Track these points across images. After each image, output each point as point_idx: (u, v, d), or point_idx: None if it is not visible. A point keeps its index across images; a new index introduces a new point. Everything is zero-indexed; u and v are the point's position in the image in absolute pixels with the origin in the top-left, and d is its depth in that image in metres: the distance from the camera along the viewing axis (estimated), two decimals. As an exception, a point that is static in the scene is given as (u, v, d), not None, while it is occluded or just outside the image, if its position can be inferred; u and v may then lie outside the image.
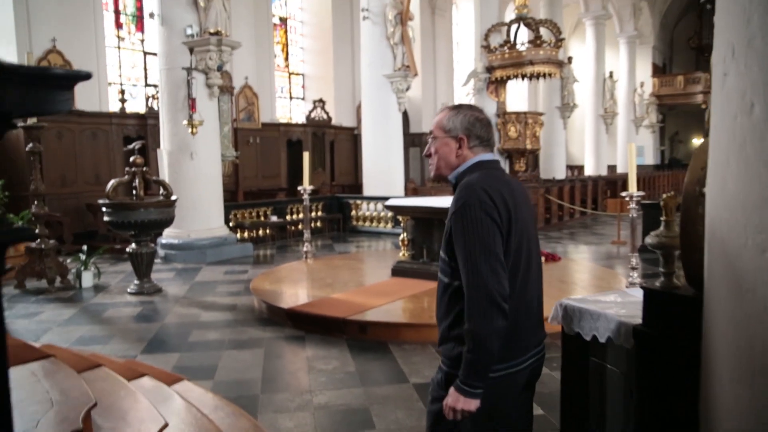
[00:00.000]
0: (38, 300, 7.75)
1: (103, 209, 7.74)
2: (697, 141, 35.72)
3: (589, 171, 25.73)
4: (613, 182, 20.36)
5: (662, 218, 1.97)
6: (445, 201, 8.10)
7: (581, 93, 23.58)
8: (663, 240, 1.94)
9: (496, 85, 17.88)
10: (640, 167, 29.08)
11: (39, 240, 8.32)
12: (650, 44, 32.05)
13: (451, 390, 2.06)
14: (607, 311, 2.34)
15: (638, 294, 2.46)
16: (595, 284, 7.79)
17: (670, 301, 1.94)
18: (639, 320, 2.13)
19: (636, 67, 29.73)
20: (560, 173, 21.46)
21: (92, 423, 2.96)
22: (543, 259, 8.94)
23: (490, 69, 17.63)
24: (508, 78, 17.58)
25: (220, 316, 6.89)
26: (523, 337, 2.12)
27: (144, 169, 8.04)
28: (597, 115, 26.01)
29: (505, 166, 18.31)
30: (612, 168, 28.55)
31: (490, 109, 17.90)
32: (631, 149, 6.40)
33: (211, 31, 10.05)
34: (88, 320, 6.80)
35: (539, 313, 2.22)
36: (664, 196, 1.96)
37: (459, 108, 2.29)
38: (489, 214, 2.03)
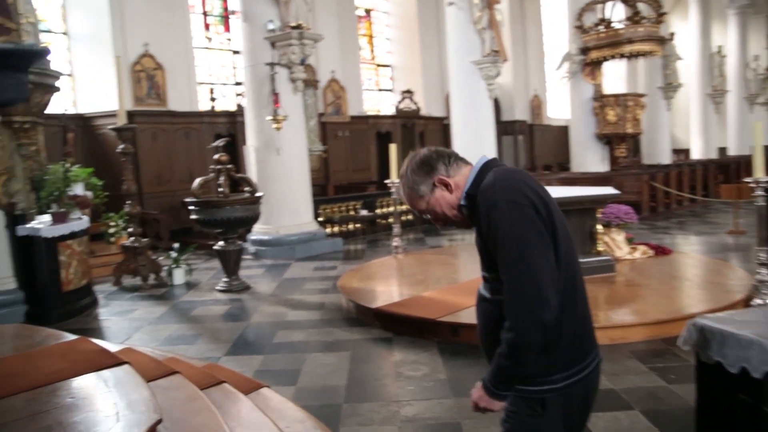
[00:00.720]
0: (133, 297, 7.83)
1: (190, 207, 7.70)
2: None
3: (696, 155, 24.01)
4: (725, 166, 18.83)
5: None
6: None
7: (685, 71, 22.00)
8: None
9: (592, 67, 16.86)
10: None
11: (133, 238, 8.43)
12: (765, 13, 29.46)
13: (478, 384, 2.02)
14: (764, 339, 1.81)
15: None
16: (714, 281, 6.98)
17: None
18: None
19: (749, 39, 27.41)
20: (665, 158, 20.07)
21: (159, 441, 2.74)
22: (652, 252, 8.21)
23: (584, 50, 16.64)
24: (605, 59, 16.52)
25: (307, 315, 6.67)
26: (574, 345, 1.95)
27: (229, 166, 7.95)
28: (704, 94, 24.20)
29: (604, 151, 17.30)
30: (722, 151, 26.52)
31: (586, 92, 16.96)
32: (757, 128, 5.62)
33: (292, 24, 9.87)
34: (177, 319, 6.76)
35: (587, 310, 2.03)
36: None
37: (404, 174, 2.09)
38: (523, 206, 1.83)
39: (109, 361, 3.44)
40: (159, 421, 2.73)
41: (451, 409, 4.10)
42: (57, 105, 12.23)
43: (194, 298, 7.63)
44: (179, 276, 8.41)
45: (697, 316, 5.42)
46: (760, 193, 5.78)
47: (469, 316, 5.80)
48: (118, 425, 2.60)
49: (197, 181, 7.84)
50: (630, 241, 8.30)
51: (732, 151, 26.34)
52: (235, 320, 6.57)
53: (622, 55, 16.29)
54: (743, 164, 19.64)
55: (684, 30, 24.62)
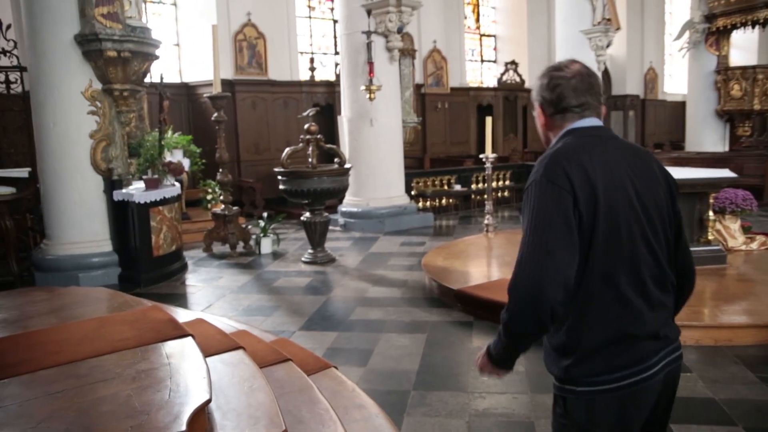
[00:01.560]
0: (220, 264, 7.96)
1: (279, 177, 7.68)
2: None
3: (835, 135, 21.71)
4: None
5: None
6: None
7: (829, 41, 19.82)
8: None
9: (717, 36, 15.51)
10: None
11: (224, 206, 8.55)
12: None
13: (483, 350, 2.03)
14: None
15: None
16: None
17: None
18: None
19: None
20: (798, 138, 18.27)
21: (206, 419, 2.66)
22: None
23: (710, 18, 15.32)
24: (734, 26, 15.12)
25: (388, 292, 6.49)
26: (632, 330, 1.78)
27: (318, 136, 7.85)
28: None
29: (724, 130, 15.93)
30: None
31: (709, 65, 15.67)
32: None
33: (391, -10, 9.57)
34: (259, 289, 6.78)
35: (651, 301, 1.80)
36: None
37: (546, 69, 1.97)
38: (559, 188, 1.73)
39: (175, 332, 3.40)
40: (208, 401, 2.64)
41: (526, 406, 3.80)
42: (166, 74, 12.67)
43: (279, 269, 7.65)
44: (266, 245, 8.47)
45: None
46: None
47: (556, 304, 5.42)
48: (168, 402, 2.52)
49: (286, 151, 7.80)
50: (747, 230, 7.51)
51: None
52: (316, 293, 6.49)
53: (755, 23, 14.82)
54: None
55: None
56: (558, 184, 1.73)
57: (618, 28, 12.86)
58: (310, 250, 7.95)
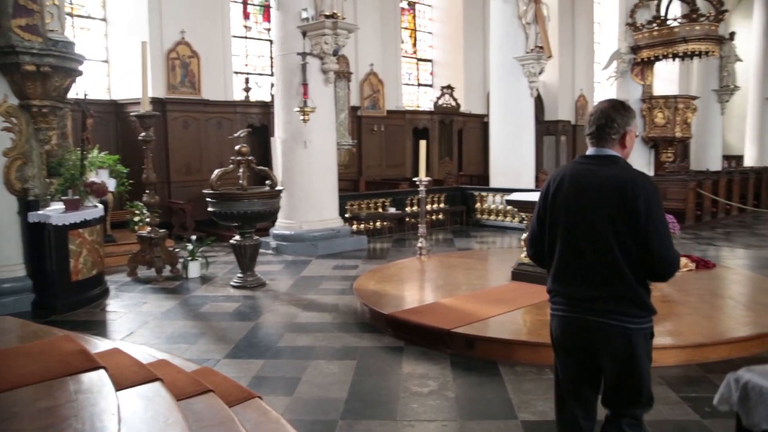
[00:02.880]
0: (144, 289, 7.64)
1: (208, 200, 7.46)
2: None
3: (749, 162, 22.82)
4: (781, 175, 17.84)
5: None
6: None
7: (744, 74, 20.92)
8: None
9: (642, 66, 16.17)
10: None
11: (151, 229, 8.25)
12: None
13: None
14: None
15: None
16: (761, 302, 6.41)
17: None
18: None
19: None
20: (715, 164, 19.14)
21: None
22: (694, 265, 7.65)
23: (635, 49, 15.97)
24: (657, 58, 15.82)
25: (318, 317, 6.34)
26: (559, 290, 2.69)
27: (249, 158, 7.68)
28: (763, 98, 22.99)
29: (649, 156, 16.57)
30: (778, 159, 25.22)
31: (634, 93, 16.28)
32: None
33: (327, 13, 9.54)
34: (184, 315, 6.52)
35: (578, 273, 2.60)
36: None
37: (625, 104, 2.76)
38: (541, 192, 2.79)
39: (86, 365, 3.18)
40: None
41: (454, 435, 3.73)
42: (94, 91, 12.23)
43: (206, 294, 7.39)
44: (194, 269, 8.19)
45: (739, 341, 4.96)
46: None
47: (487, 327, 5.40)
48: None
49: (216, 172, 7.60)
50: (670, 252, 7.73)
51: (789, 160, 25.03)
52: (243, 319, 6.28)
53: (675, 55, 15.57)
54: (801, 174, 18.61)
55: (746, 30, 23.42)
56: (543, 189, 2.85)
57: (550, 56, 13.24)
58: (239, 274, 7.73)
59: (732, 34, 19.24)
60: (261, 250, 8.16)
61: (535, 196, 7.50)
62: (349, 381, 4.59)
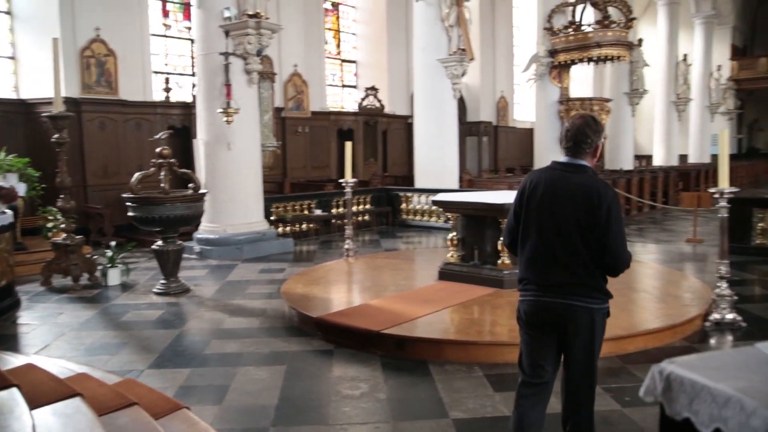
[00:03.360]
0: (60, 299, 7.28)
1: (127, 204, 7.20)
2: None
3: (658, 161, 24.09)
4: (686, 174, 18.88)
5: None
6: (500, 196, 7.22)
7: (651, 78, 22.02)
8: None
9: (560, 69, 16.71)
10: (714, 157, 27.16)
11: (66, 235, 7.88)
12: (730, 24, 29.78)
13: None
14: (746, 396, 1.47)
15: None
16: (673, 294, 6.77)
17: None
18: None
19: (713, 49, 27.66)
20: (627, 164, 20.06)
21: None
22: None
23: (553, 53, 16.48)
24: (573, 62, 16.39)
25: (246, 322, 6.23)
26: (528, 279, 3.10)
27: (171, 160, 7.46)
28: (668, 101, 24.29)
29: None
30: (683, 158, 26.71)
31: (552, 95, 16.80)
32: (722, 138, 5.35)
33: (250, 13, 9.40)
34: (104, 324, 6.26)
35: (547, 264, 3.01)
36: None
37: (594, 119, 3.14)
38: (517, 192, 3.23)
39: (59, 393, 3.01)
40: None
41: (387, 437, 3.74)
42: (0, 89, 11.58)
43: (127, 302, 7.12)
44: (114, 276, 7.88)
45: (653, 333, 5.21)
46: (723, 204, 5.54)
47: (416, 328, 5.45)
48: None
49: (136, 175, 7.35)
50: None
51: (692, 159, 26.58)
52: (167, 327, 6.09)
53: (590, 59, 16.16)
54: (703, 172, 19.76)
55: (652, 37, 24.68)
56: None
57: (472, 59, 13.50)
58: (162, 281, 7.49)
59: (640, 41, 20.20)
60: (184, 255, 7.95)
61: (460, 197, 7.66)
62: (279, 386, 4.53)
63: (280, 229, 10.99)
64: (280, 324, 6.16)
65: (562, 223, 2.94)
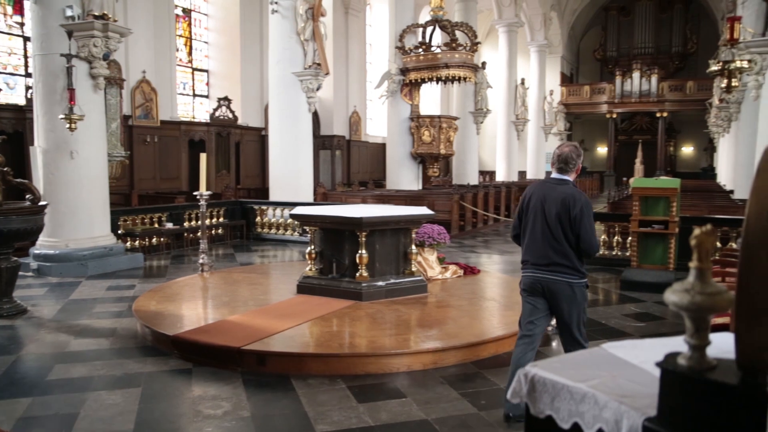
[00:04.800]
0: None
1: (-48, 216, 6.49)
2: (602, 149, 36.81)
3: (500, 177, 25.76)
4: (525, 188, 20.29)
5: (693, 264, 1.29)
6: (357, 210, 7.37)
7: (494, 99, 23.54)
8: (697, 299, 1.26)
9: (411, 87, 17.40)
10: (548, 174, 29.50)
11: None
12: (559, 54, 32.69)
13: None
14: (598, 392, 1.64)
15: (633, 358, 1.80)
16: (519, 301, 7.22)
17: (706, 390, 1.27)
18: (648, 407, 1.46)
19: (546, 75, 30.19)
20: (473, 179, 21.25)
21: None
22: (462, 272, 8.41)
23: (404, 71, 17.13)
24: (423, 81, 17.15)
25: (94, 344, 5.84)
26: (529, 261, 4.14)
27: (5, 169, 6.84)
28: (509, 121, 26.11)
29: (418, 170, 17.88)
30: (522, 174, 28.81)
31: (404, 112, 17.42)
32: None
33: (96, 14, 8.87)
34: (-77, 352, 5.58)
35: (539, 249, 4.05)
36: (697, 231, 1.28)
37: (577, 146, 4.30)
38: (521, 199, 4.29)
39: None
40: None
41: (253, 455, 3.68)
42: None
43: (-48, 325, 6.41)
44: (-66, 298, 7.05)
45: (503, 338, 5.57)
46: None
47: (277, 342, 5.41)
48: None
49: (-37, 185, 6.64)
50: (441, 261, 8.43)
51: (530, 175, 28.73)
52: (2, 353, 5.56)
53: (438, 79, 16.98)
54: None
55: (494, 60, 26.41)
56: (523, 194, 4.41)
57: (327, 73, 13.65)
58: (-6, 301, 6.82)
59: (484, 64, 21.52)
60: (20, 273, 7.28)
61: (318, 210, 7.71)
62: (135, 410, 4.29)
63: (128, 244, 10.42)
64: (133, 344, 5.84)
65: (549, 219, 4.00)
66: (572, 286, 4.03)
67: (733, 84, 8.86)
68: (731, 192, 17.51)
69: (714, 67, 9.27)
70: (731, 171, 19.95)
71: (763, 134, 9.00)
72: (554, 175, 4.18)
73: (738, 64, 8.84)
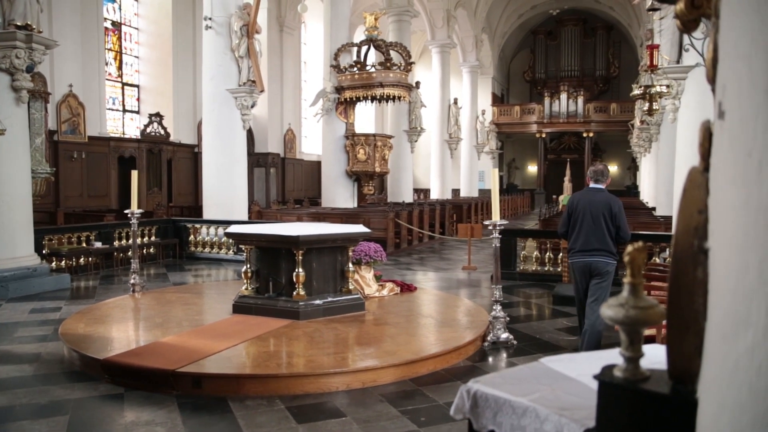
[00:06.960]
0: None
1: None
2: (532, 168, 37.91)
3: (435, 194, 26.13)
4: (459, 206, 20.68)
5: (627, 280, 1.36)
6: (293, 228, 7.32)
7: (428, 118, 23.92)
8: (631, 313, 1.33)
9: (346, 106, 17.48)
10: (481, 191, 30.20)
11: None
12: (490, 75, 33.58)
13: None
14: (539, 405, 1.69)
15: (570, 371, 1.86)
16: (455, 318, 7.36)
17: (641, 400, 1.33)
18: (586, 419, 1.51)
19: (478, 95, 30.94)
20: (408, 196, 21.47)
21: None
22: (399, 289, 8.47)
23: (339, 89, 17.21)
24: (358, 99, 17.26)
25: (16, 370, 5.55)
26: (576, 249, 5.61)
27: None
28: (442, 140, 26.57)
29: (353, 188, 17.93)
30: (456, 192, 29.30)
31: (339, 130, 17.46)
32: (494, 177, 6.03)
33: (18, 23, 8.56)
34: None
35: (586, 243, 5.53)
36: (630, 248, 1.35)
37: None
38: (568, 204, 5.89)
39: None
40: None
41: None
42: None
43: None
44: None
45: (440, 355, 5.63)
46: (496, 235, 6.20)
47: (213, 364, 5.30)
48: None
49: None
50: (378, 278, 8.46)
51: (463, 193, 29.27)
52: None
53: (373, 98, 17.13)
54: (473, 205, 21.82)
55: (428, 80, 26.87)
56: (569, 200, 6.02)
57: (262, 90, 13.58)
58: None
59: (418, 83, 21.86)
60: (-66, 296, 6.89)
61: (254, 228, 7.59)
62: (62, 439, 4.11)
63: (54, 264, 9.99)
64: (59, 369, 5.59)
65: (595, 217, 5.48)
66: (608, 267, 5.54)
67: (654, 107, 9.34)
68: (653, 209, 18.31)
69: (636, 91, 9.78)
70: (653, 189, 20.88)
71: (681, 154, 9.48)
72: (592, 185, 5.70)
73: (658, 88, 9.34)
